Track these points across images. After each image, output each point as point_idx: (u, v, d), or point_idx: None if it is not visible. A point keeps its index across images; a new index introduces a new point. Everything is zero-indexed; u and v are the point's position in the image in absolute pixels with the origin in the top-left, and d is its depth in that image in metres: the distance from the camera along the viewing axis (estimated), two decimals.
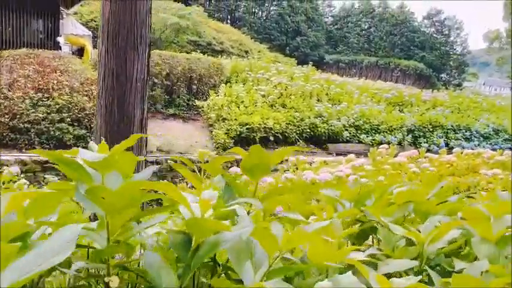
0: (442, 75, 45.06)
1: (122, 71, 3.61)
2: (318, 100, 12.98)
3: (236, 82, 13.16)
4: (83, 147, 1.18)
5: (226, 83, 12.97)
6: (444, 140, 13.39)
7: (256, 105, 11.78)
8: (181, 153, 10.39)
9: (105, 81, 3.63)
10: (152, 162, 9.88)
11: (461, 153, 7.55)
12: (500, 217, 1.14)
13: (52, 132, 8.86)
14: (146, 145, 3.99)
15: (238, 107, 11.47)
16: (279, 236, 0.94)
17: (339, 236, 1.24)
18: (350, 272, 0.85)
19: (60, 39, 12.09)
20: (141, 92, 3.76)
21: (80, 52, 14.51)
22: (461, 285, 0.82)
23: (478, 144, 13.86)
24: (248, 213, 1.25)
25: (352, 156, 7.26)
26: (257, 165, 1.19)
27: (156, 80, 11.66)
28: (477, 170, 6.57)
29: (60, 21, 12.15)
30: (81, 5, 23.33)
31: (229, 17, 48.21)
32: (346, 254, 1.00)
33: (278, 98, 12.51)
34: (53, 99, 9.06)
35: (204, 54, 18.07)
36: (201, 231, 0.97)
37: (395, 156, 7.10)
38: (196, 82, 12.32)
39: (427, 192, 1.52)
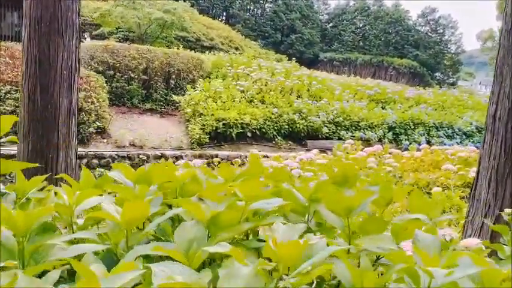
0: (437, 74, 44.90)
1: (45, 57, 3.49)
2: (299, 96, 12.87)
3: (216, 77, 13.04)
4: None
5: (206, 78, 12.85)
6: (426, 138, 13.29)
7: (234, 101, 11.66)
8: (154, 148, 10.28)
9: (28, 68, 3.52)
10: (124, 157, 9.78)
11: (429, 149, 7.47)
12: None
13: None
14: (76, 140, 3.86)
15: (216, 102, 11.35)
16: None
17: None
18: None
19: None
20: (69, 81, 3.64)
21: None
22: None
23: (460, 142, 13.76)
24: None
25: (316, 151, 7.16)
26: None
27: (132, 75, 11.53)
28: (440, 166, 6.50)
29: None
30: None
31: (224, 13, 48.04)
32: None
33: (257, 93, 12.39)
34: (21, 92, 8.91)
35: (192, 50, 17.96)
36: None
37: (362, 151, 7.02)
38: (174, 77, 12.19)
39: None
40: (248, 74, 13.03)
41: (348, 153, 7.01)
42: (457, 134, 14.00)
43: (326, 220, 1.13)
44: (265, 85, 12.73)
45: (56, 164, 3.57)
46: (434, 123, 13.50)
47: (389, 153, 6.89)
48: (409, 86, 27.47)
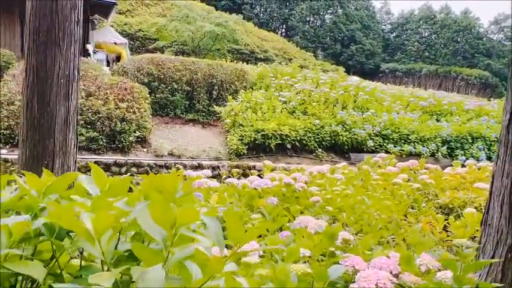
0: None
1: (42, 66, 3.58)
2: (344, 107, 12.40)
3: (260, 88, 12.98)
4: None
5: (249, 89, 12.84)
6: (486, 153, 12.18)
7: (275, 112, 11.49)
8: (192, 158, 10.39)
9: (27, 77, 3.63)
10: (161, 166, 9.98)
11: (475, 165, 6.75)
12: None
13: None
14: (76, 147, 3.92)
15: (255, 113, 11.26)
16: None
17: None
18: None
19: (89, 47, 12.71)
20: (66, 89, 3.70)
21: (118, 59, 15.20)
22: None
23: None
24: None
25: (343, 164, 6.78)
26: None
27: (176, 86, 11.81)
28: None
29: (91, 30, 12.80)
30: (131, 16, 24.62)
31: (284, 26, 48.34)
32: None
33: (300, 104, 12.12)
34: None
35: (245, 62, 18.17)
36: None
37: (394, 166, 6.53)
38: (217, 88, 12.31)
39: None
40: (292, 85, 12.82)
41: (379, 166, 6.54)
42: None
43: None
44: (309, 96, 12.43)
45: (52, 170, 3.63)
46: (496, 138, 12.32)
47: (426, 169, 6.32)
48: (479, 97, 25.56)
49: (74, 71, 3.78)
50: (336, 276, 2.05)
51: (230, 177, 5.08)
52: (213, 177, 6.74)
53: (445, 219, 4.48)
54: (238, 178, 4.80)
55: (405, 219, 4.56)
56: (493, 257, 2.82)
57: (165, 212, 0.80)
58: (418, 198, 5.19)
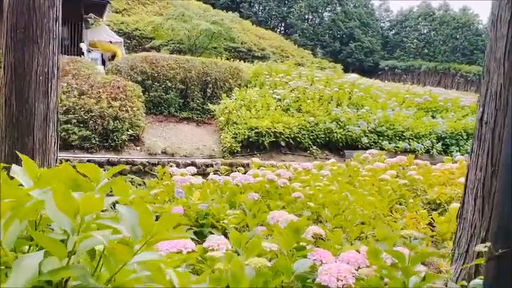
0: None
1: (20, 64, 3.57)
2: (338, 105, 12.37)
3: (255, 86, 12.96)
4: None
5: (244, 87, 12.82)
6: None
7: (269, 109, 11.47)
8: (186, 156, 10.38)
9: (5, 74, 3.62)
10: (154, 164, 9.96)
11: (465, 161, 6.72)
12: None
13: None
14: (57, 144, 3.91)
15: (249, 111, 11.24)
16: None
17: None
18: None
19: (83, 46, 12.70)
20: (45, 87, 3.69)
21: (113, 58, 15.18)
22: None
23: None
24: None
25: (332, 160, 6.77)
26: None
27: (170, 84, 11.79)
28: None
29: (86, 29, 12.78)
30: (128, 15, 24.58)
31: (282, 24, 48.20)
32: None
33: (295, 102, 12.10)
34: (61, 101, 9.45)
35: (243, 60, 18.13)
36: None
37: (383, 162, 6.51)
38: (211, 86, 12.29)
39: None
40: (286, 82, 12.80)
41: (369, 163, 6.53)
42: None
43: None
44: (304, 93, 12.41)
45: None
46: None
47: (415, 165, 6.30)
48: (478, 94, 25.43)
49: (53, 68, 3.77)
50: (303, 269, 2.04)
51: (218, 174, 5.08)
52: (205, 175, 6.73)
53: (429, 215, 4.47)
54: (227, 175, 4.79)
55: (391, 215, 4.55)
56: (467, 251, 2.81)
57: (67, 200, 0.79)
58: (405, 194, 5.17)
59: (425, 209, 4.77)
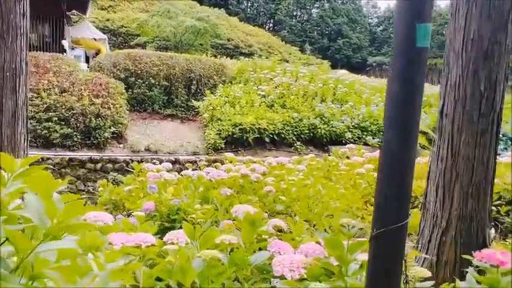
0: None
1: None
2: (323, 100, 12.42)
3: (240, 82, 12.95)
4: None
5: (228, 84, 12.80)
6: None
7: (253, 106, 11.48)
8: (169, 153, 10.34)
9: None
10: (138, 162, 9.92)
11: None
12: None
13: (39, 131, 9.15)
14: (27, 142, 3.86)
15: (234, 107, 11.23)
16: None
17: None
18: None
19: (65, 43, 12.56)
20: (13, 83, 3.64)
21: (97, 55, 15.04)
22: None
23: (505, 148, 12.58)
24: None
25: (311, 155, 6.79)
26: None
27: (153, 81, 11.73)
28: None
29: (68, 26, 12.65)
30: (113, 12, 24.34)
31: (271, 21, 48.18)
32: None
33: (279, 98, 12.12)
34: (42, 98, 9.36)
35: (229, 57, 18.09)
36: None
37: (362, 156, 6.56)
38: (195, 83, 12.26)
39: None
40: (271, 79, 12.81)
41: (347, 157, 6.58)
42: (501, 140, 12.83)
43: None
44: (288, 89, 12.43)
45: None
46: None
47: None
48: None
49: (21, 64, 3.72)
50: (260, 261, 2.05)
51: (196, 169, 5.07)
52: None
53: None
54: (207, 173, 4.79)
55: (365, 209, 4.59)
56: (429, 241, 2.85)
57: None
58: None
59: None
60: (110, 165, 9.46)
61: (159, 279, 1.85)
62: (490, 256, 1.00)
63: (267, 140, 11.10)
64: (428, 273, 1.16)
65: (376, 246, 0.79)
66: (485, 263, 1.01)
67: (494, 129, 2.56)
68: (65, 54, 12.22)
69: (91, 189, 8.82)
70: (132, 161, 9.79)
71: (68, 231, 0.93)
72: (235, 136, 10.77)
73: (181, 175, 4.49)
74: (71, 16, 14.27)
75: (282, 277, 1.82)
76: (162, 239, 2.13)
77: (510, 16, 2.45)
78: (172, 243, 2.17)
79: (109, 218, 2.16)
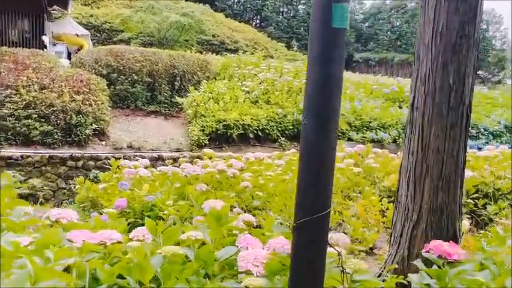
0: (480, 72, 42.42)
1: None
2: None
3: (224, 78, 12.87)
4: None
5: (212, 80, 12.71)
6: None
7: (237, 102, 11.42)
8: (152, 150, 10.25)
9: None
10: (120, 159, 9.80)
11: None
12: None
13: (18, 129, 8.97)
14: None
15: (217, 103, 11.17)
16: None
17: None
18: None
19: (45, 38, 12.33)
20: None
21: (79, 51, 14.81)
22: None
23: (486, 143, 12.76)
24: None
25: (293, 151, 6.79)
26: None
27: (136, 77, 11.59)
28: None
29: (48, 22, 12.39)
30: (97, 7, 24.01)
31: (258, 17, 47.99)
32: None
33: (263, 94, 12.08)
34: (21, 95, 9.17)
35: (215, 53, 17.95)
36: None
37: (342, 151, 6.57)
38: (179, 79, 12.15)
39: None
40: (255, 74, 12.76)
41: None
42: (482, 134, 13.02)
43: None
44: (272, 85, 12.40)
45: None
46: None
47: (374, 153, 6.39)
48: None
49: None
50: (227, 257, 2.02)
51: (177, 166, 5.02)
52: None
53: (380, 202, 4.54)
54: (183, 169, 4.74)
55: (344, 203, 4.60)
56: (401, 235, 2.85)
57: None
58: (360, 181, 5.24)
59: (382, 196, 4.84)
60: (91, 163, 9.33)
61: (122, 277, 1.82)
62: (437, 247, 0.98)
63: (251, 136, 11.07)
64: (365, 266, 1.14)
65: (298, 236, 0.77)
66: (433, 254, 0.99)
67: (463, 123, 2.56)
68: (45, 50, 11.98)
69: (73, 187, 8.68)
70: (114, 157, 9.67)
71: None
72: (219, 132, 10.72)
73: (159, 171, 4.45)
74: (53, 12, 14.01)
75: (248, 272, 1.79)
76: None
77: (478, 9, 2.46)
78: (139, 240, 2.13)
79: (74, 215, 2.11)
